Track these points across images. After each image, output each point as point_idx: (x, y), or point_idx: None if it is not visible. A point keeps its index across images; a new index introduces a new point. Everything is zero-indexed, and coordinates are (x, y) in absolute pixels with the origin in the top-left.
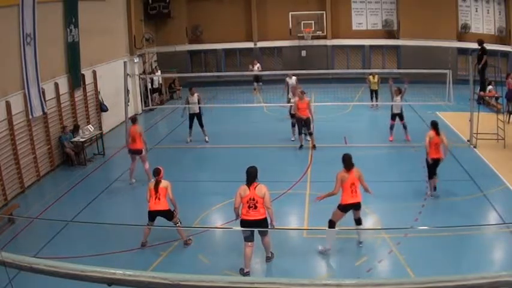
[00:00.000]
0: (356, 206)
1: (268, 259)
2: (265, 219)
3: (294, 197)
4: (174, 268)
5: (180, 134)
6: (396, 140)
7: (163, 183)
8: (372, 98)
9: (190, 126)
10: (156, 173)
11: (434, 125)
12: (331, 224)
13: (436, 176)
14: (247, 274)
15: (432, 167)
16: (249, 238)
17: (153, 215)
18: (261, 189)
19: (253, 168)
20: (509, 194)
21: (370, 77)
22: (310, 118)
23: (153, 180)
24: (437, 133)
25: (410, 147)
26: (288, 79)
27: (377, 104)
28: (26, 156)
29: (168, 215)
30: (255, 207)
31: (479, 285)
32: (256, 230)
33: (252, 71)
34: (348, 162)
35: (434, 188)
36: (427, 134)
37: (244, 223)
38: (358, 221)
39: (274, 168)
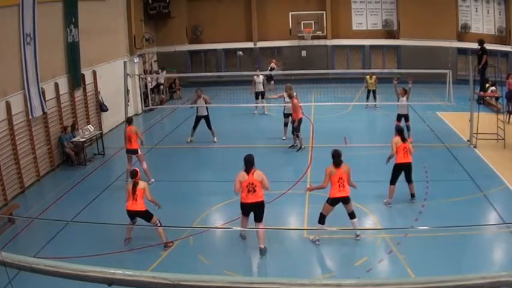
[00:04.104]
0: (344, 200)
1: (262, 251)
2: (263, 201)
3: (294, 197)
4: (174, 268)
5: (180, 134)
6: None
7: (141, 184)
8: (367, 98)
9: (195, 127)
10: (134, 174)
11: (400, 131)
12: (322, 217)
13: (412, 182)
14: (244, 237)
15: (399, 172)
16: (247, 215)
17: (131, 214)
18: (258, 174)
19: (250, 156)
20: (509, 194)
21: (367, 77)
22: (298, 119)
23: (130, 181)
24: (403, 139)
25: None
26: (255, 77)
27: (375, 104)
28: (26, 156)
29: (146, 216)
30: (254, 191)
31: (479, 285)
32: (252, 214)
33: (271, 69)
34: (337, 158)
35: (412, 196)
36: (393, 140)
37: (244, 205)
38: (352, 215)
39: (274, 168)
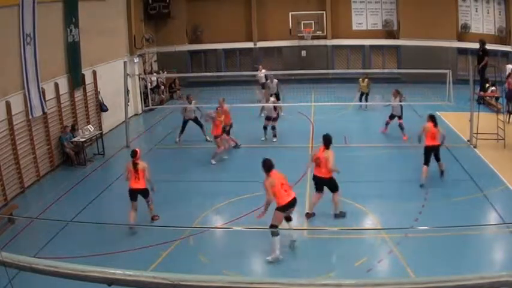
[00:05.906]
0: (293, 202)
1: (338, 216)
2: (327, 178)
3: None
4: (174, 268)
5: None
6: (396, 139)
7: (141, 164)
8: (360, 100)
9: (182, 131)
10: (134, 154)
11: (433, 118)
12: (274, 228)
13: (440, 161)
14: (307, 216)
15: (428, 153)
16: (319, 190)
17: (134, 193)
18: (327, 152)
19: (328, 135)
20: (509, 194)
21: (360, 80)
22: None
23: (130, 161)
24: (435, 125)
25: (411, 147)
26: (268, 82)
27: (366, 105)
28: (26, 156)
29: (146, 193)
30: (319, 166)
31: (479, 285)
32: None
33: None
34: (269, 166)
35: (442, 173)
36: (423, 125)
37: (313, 177)
38: (288, 218)
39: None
